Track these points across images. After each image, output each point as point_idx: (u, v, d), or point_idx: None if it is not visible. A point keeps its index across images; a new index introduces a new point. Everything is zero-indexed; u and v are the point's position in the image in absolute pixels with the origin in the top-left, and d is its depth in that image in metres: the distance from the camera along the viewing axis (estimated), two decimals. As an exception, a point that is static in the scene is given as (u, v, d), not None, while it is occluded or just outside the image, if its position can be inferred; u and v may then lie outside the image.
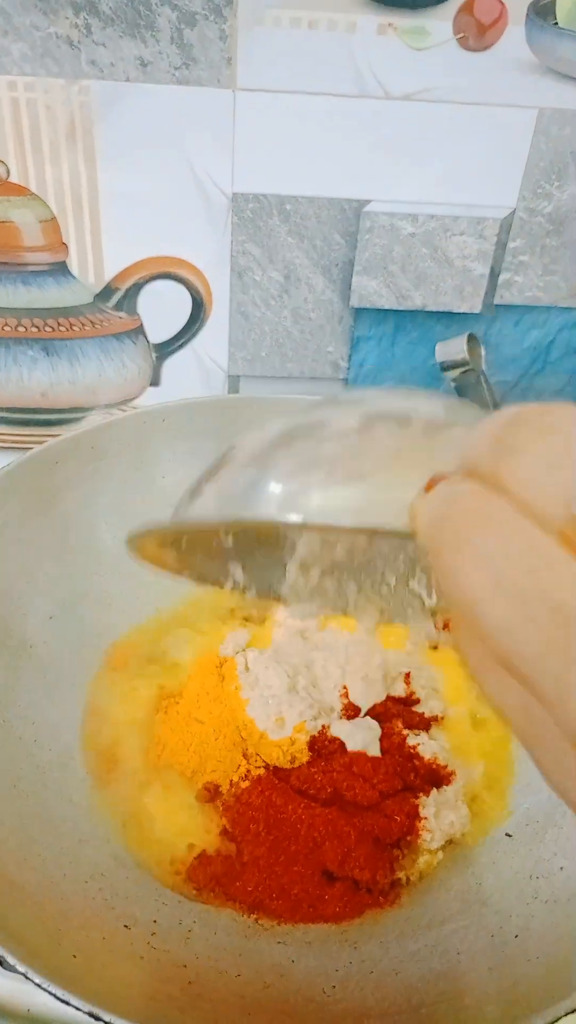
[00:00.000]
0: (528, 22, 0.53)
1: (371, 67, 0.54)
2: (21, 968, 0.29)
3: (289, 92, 0.55)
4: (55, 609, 0.48)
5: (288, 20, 0.52)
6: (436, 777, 0.44)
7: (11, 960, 0.29)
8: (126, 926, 0.36)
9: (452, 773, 0.44)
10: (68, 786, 0.41)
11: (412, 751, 0.44)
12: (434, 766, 0.44)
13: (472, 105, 0.56)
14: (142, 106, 0.55)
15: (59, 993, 0.29)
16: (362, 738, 0.44)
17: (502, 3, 0.52)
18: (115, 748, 0.44)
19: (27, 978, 0.29)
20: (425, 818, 0.42)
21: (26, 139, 0.56)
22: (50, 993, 0.28)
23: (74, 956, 0.33)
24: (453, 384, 0.60)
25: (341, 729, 0.45)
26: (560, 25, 0.53)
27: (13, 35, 0.51)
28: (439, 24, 0.52)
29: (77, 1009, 0.28)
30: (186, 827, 0.41)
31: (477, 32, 0.53)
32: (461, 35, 0.53)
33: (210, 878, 0.39)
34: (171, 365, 0.67)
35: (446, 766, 0.44)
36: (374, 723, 0.46)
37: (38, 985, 0.29)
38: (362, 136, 0.57)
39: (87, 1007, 0.28)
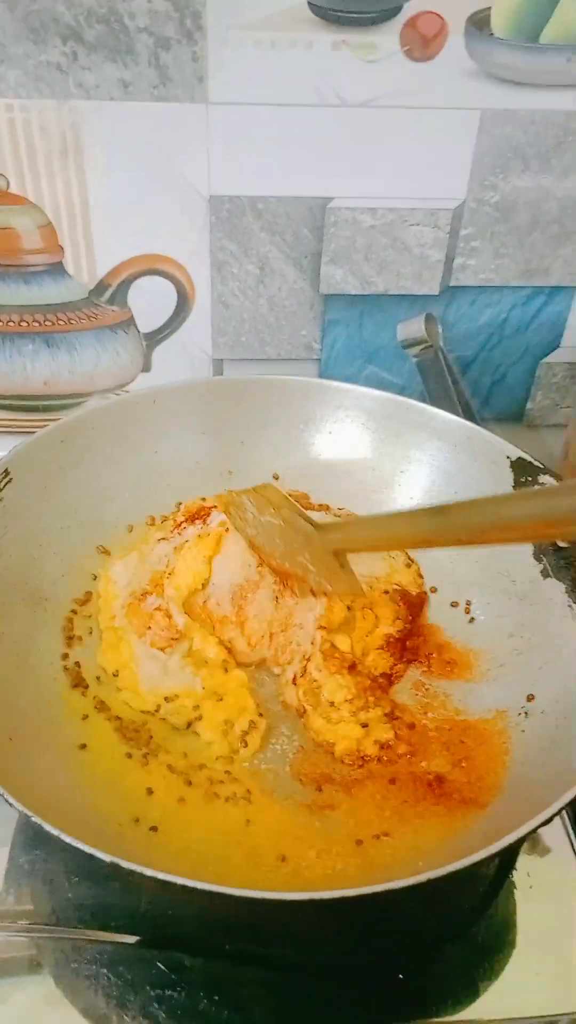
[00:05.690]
0: (467, 32, 0.59)
1: (328, 79, 0.60)
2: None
3: (256, 104, 0.61)
4: (64, 569, 0.54)
5: (252, 41, 0.58)
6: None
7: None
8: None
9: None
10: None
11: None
12: None
13: (421, 109, 0.62)
14: (125, 122, 0.61)
15: None
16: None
17: (442, 18, 0.58)
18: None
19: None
20: None
21: (23, 154, 0.62)
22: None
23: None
24: (415, 360, 0.67)
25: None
26: (496, 35, 0.59)
27: (8, 63, 0.58)
28: (387, 39, 0.59)
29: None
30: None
31: (421, 44, 0.59)
32: (407, 48, 0.59)
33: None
34: (160, 352, 0.74)
35: None
36: None
37: None
38: (324, 140, 0.63)
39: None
